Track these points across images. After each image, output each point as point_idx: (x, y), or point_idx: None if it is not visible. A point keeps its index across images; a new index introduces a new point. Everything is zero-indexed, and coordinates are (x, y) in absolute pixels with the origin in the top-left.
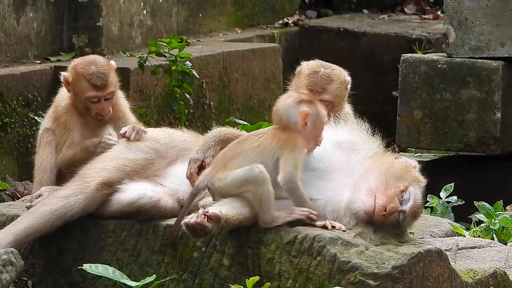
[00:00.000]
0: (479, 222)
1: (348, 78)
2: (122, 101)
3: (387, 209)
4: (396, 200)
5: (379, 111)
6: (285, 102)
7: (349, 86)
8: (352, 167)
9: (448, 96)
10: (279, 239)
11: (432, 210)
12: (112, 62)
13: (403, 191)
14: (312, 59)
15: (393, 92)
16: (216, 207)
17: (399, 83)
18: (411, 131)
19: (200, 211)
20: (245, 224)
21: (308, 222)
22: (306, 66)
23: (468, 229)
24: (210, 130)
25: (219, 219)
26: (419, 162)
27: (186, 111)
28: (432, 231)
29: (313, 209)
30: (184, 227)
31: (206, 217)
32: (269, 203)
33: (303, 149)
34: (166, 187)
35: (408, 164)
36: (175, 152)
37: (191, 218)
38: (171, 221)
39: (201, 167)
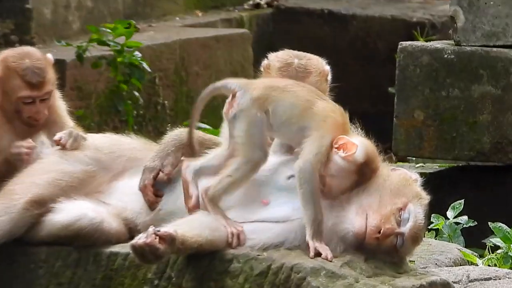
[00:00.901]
0: (495, 248)
1: (327, 68)
2: (59, 102)
3: (382, 231)
4: (393, 220)
5: (371, 111)
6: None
7: (329, 77)
8: None
9: (456, 93)
10: (249, 269)
11: (437, 233)
12: (49, 56)
13: (401, 209)
14: (288, 49)
15: (389, 89)
16: (170, 226)
17: (397, 78)
18: (411, 136)
19: (150, 229)
20: (206, 248)
21: (229, 238)
22: (276, 59)
23: (481, 256)
24: (165, 135)
25: (173, 240)
26: (420, 174)
27: (135, 112)
28: (437, 259)
29: (321, 219)
30: (130, 250)
31: (157, 237)
32: (231, 188)
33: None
34: (111, 206)
35: (408, 176)
36: (121, 163)
37: (138, 239)
38: (116, 248)
39: (157, 178)
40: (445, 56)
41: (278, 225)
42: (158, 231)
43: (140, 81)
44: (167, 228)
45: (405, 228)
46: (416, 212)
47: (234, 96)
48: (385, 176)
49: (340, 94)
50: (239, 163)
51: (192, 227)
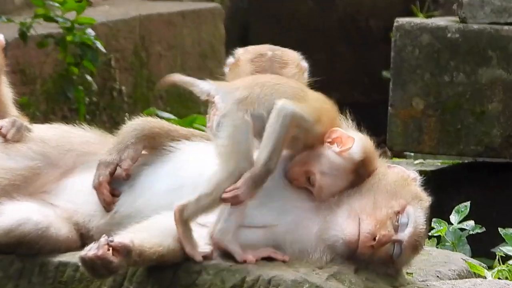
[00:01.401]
0: (506, 258)
1: (305, 63)
2: (5, 90)
3: (377, 238)
4: (389, 225)
5: (363, 99)
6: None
7: (306, 74)
8: None
9: (462, 78)
10: (220, 282)
11: (439, 240)
12: (1, 37)
13: (398, 212)
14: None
15: (383, 73)
16: (125, 235)
17: (392, 60)
18: (409, 128)
19: (102, 239)
20: (168, 259)
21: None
22: (245, 52)
23: (490, 267)
24: (123, 125)
25: (129, 252)
26: (420, 172)
27: (87, 99)
28: (439, 270)
29: (271, 169)
30: (79, 263)
31: (110, 248)
32: (209, 208)
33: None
34: (59, 208)
35: (405, 175)
36: (71, 158)
37: (89, 250)
38: (66, 258)
39: (114, 174)
40: (449, 35)
41: (256, 231)
42: (111, 241)
43: (94, 63)
44: (122, 238)
45: (403, 235)
46: (415, 216)
47: (212, 103)
48: (381, 174)
49: (327, 81)
50: (221, 178)
51: (152, 234)
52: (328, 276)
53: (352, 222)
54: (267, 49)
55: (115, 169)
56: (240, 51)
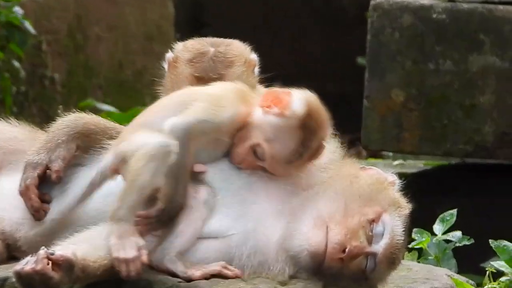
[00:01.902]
0: (498, 274)
1: (254, 57)
2: None
3: (347, 250)
4: (362, 235)
5: (335, 90)
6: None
7: (256, 69)
8: (288, 184)
9: (449, 66)
10: None
11: (421, 253)
12: None
13: (373, 221)
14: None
15: (358, 59)
16: (66, 246)
17: (368, 45)
18: (388, 124)
19: (41, 252)
20: (114, 274)
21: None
22: (184, 49)
23: (479, 285)
24: (56, 120)
25: (71, 266)
26: (399, 174)
27: (14, 89)
28: None
29: (181, 204)
30: (14, 278)
31: (50, 262)
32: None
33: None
34: None
35: (382, 178)
36: None
37: (25, 264)
38: None
39: (44, 177)
40: (434, 15)
41: (209, 242)
42: (52, 254)
43: (22, 46)
44: (63, 250)
45: (378, 247)
46: (392, 225)
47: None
48: (352, 177)
49: (294, 69)
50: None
51: (95, 246)
52: None
53: (318, 230)
54: (208, 44)
55: (45, 171)
56: (178, 47)
